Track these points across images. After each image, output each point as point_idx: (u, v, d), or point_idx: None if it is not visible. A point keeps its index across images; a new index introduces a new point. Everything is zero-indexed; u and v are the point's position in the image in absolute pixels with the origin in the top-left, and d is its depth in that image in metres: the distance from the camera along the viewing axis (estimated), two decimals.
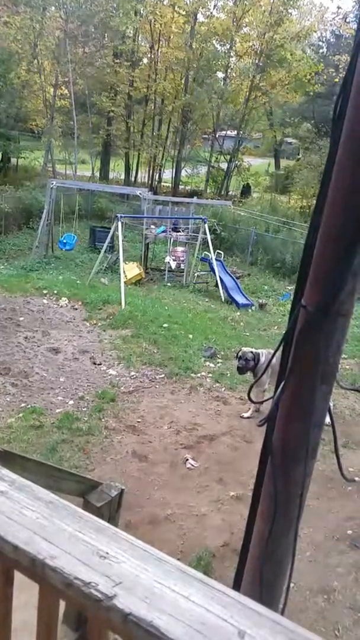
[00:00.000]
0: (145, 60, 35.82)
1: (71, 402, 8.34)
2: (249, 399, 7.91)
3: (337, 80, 32.76)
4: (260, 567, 1.75)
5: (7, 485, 1.31)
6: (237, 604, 1.01)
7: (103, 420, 7.89)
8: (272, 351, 8.61)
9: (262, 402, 7.78)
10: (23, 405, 8.04)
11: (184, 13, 33.03)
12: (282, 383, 1.58)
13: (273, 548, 1.73)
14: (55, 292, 13.63)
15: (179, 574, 1.07)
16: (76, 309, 12.83)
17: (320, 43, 40.32)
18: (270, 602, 1.81)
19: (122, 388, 9.01)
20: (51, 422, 7.64)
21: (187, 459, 7.10)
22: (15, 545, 1.13)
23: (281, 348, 1.68)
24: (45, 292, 13.59)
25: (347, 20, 36.16)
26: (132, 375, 9.53)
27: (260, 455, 1.78)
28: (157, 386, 9.26)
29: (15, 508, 1.22)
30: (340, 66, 32.38)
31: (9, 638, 1.46)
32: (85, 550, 1.11)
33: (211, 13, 33.87)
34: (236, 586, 1.89)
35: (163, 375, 9.63)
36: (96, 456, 6.92)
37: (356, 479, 6.83)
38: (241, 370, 8.59)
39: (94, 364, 9.88)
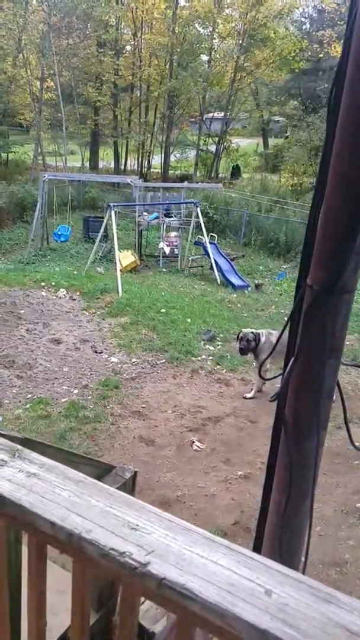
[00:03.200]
0: (128, 48, 35.61)
1: (76, 391, 8.42)
2: (260, 376, 8.03)
3: (321, 55, 32.53)
4: (279, 536, 1.83)
5: (38, 467, 1.39)
6: (262, 566, 1.09)
7: (108, 407, 7.97)
8: (271, 331, 8.70)
9: (273, 378, 7.85)
10: (29, 396, 8.12)
11: None
12: (292, 359, 1.65)
13: (290, 517, 1.82)
14: (53, 283, 13.65)
15: (206, 541, 1.15)
16: (74, 299, 12.87)
17: (303, 19, 39.76)
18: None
19: (124, 375, 9.09)
20: (58, 411, 7.73)
21: (193, 441, 7.19)
22: (52, 522, 1.20)
23: (288, 327, 1.76)
24: (43, 284, 13.61)
25: None
26: (134, 362, 9.60)
27: (272, 429, 1.85)
28: (158, 371, 9.33)
29: (48, 488, 1.30)
30: (324, 41, 32.10)
31: (45, 614, 1.54)
32: (117, 524, 1.19)
33: None
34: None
35: (164, 360, 9.70)
36: (104, 442, 7.01)
37: None
38: (243, 351, 8.67)
39: (95, 352, 9.95)
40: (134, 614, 1.30)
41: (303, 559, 1.92)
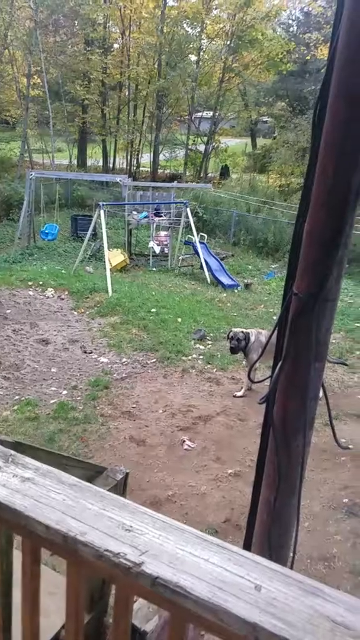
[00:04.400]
0: (116, 47, 35.51)
1: (65, 392, 8.41)
2: (249, 379, 8.08)
3: (308, 57, 32.69)
4: (268, 532, 1.89)
5: (32, 472, 1.42)
6: (252, 563, 1.13)
7: (98, 408, 7.97)
8: (261, 330, 8.75)
9: (261, 381, 7.89)
10: (17, 397, 8.08)
11: None
12: (280, 362, 1.71)
13: (279, 513, 1.87)
14: (41, 283, 13.62)
15: (198, 540, 1.19)
16: (63, 298, 12.86)
17: (290, 21, 39.86)
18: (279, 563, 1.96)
19: (114, 375, 9.09)
20: (47, 413, 7.69)
21: (184, 441, 7.22)
22: (47, 525, 1.24)
23: (276, 331, 1.81)
24: (30, 283, 13.58)
25: None
26: (124, 362, 9.61)
27: (262, 429, 1.90)
28: (149, 371, 9.35)
29: (43, 492, 1.33)
30: (310, 44, 32.33)
31: (39, 615, 1.57)
32: (111, 525, 1.23)
33: None
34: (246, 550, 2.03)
35: (154, 360, 9.72)
36: (94, 444, 7.01)
37: (350, 446, 6.99)
38: (234, 350, 8.71)
39: (85, 352, 9.94)
40: (127, 613, 1.34)
41: (292, 554, 1.97)
